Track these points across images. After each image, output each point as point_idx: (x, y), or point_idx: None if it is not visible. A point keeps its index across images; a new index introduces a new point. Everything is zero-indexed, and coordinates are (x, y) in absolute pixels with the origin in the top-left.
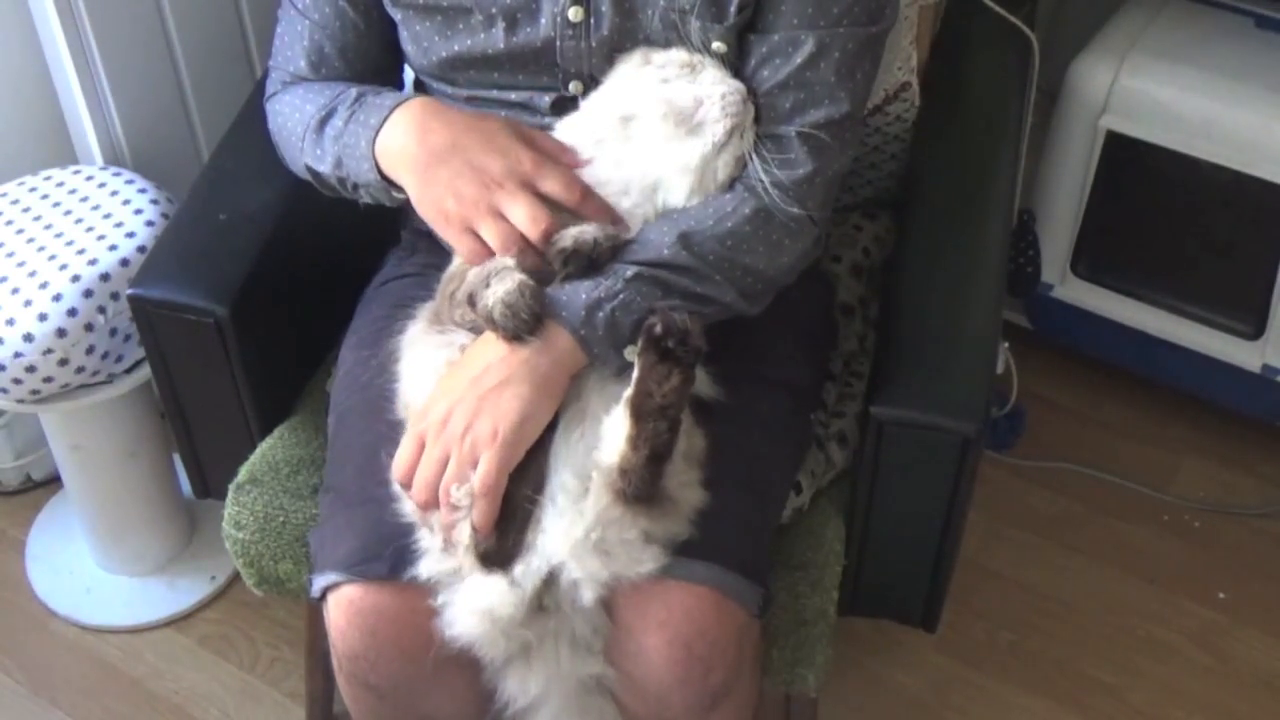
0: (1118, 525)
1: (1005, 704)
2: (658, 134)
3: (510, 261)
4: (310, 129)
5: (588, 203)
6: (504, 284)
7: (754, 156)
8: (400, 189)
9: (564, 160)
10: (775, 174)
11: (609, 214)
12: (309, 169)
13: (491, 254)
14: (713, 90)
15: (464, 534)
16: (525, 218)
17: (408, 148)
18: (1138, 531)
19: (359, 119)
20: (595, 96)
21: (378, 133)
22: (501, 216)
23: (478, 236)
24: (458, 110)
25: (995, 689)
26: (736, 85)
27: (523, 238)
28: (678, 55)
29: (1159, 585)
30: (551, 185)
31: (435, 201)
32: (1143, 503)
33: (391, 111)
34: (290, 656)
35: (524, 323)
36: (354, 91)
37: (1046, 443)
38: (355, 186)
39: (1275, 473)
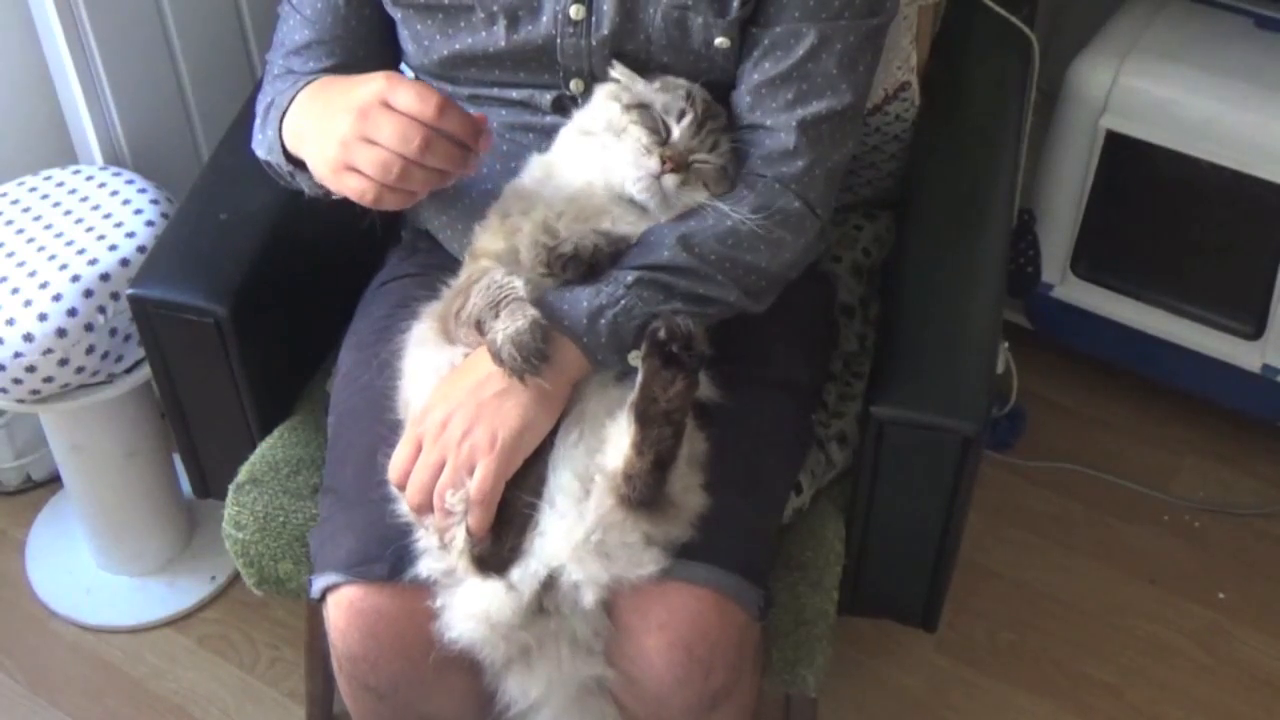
0: (1118, 525)
1: (1005, 704)
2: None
3: (521, 291)
4: (258, 120)
5: (446, 116)
6: (515, 321)
7: (718, 206)
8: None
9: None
10: (747, 214)
11: (470, 125)
12: (263, 159)
13: (371, 183)
14: (622, 174)
15: (459, 538)
16: (394, 136)
17: (302, 119)
18: (1138, 531)
19: (279, 105)
20: (572, 127)
21: (284, 113)
22: (373, 143)
23: (357, 172)
24: (351, 78)
25: (995, 689)
26: (647, 168)
27: (403, 159)
28: (611, 115)
29: (1159, 585)
30: (404, 100)
31: (320, 154)
32: (1143, 503)
33: (297, 93)
34: (290, 656)
35: (532, 365)
36: (301, 81)
37: (1046, 443)
38: (291, 175)
39: (1275, 473)
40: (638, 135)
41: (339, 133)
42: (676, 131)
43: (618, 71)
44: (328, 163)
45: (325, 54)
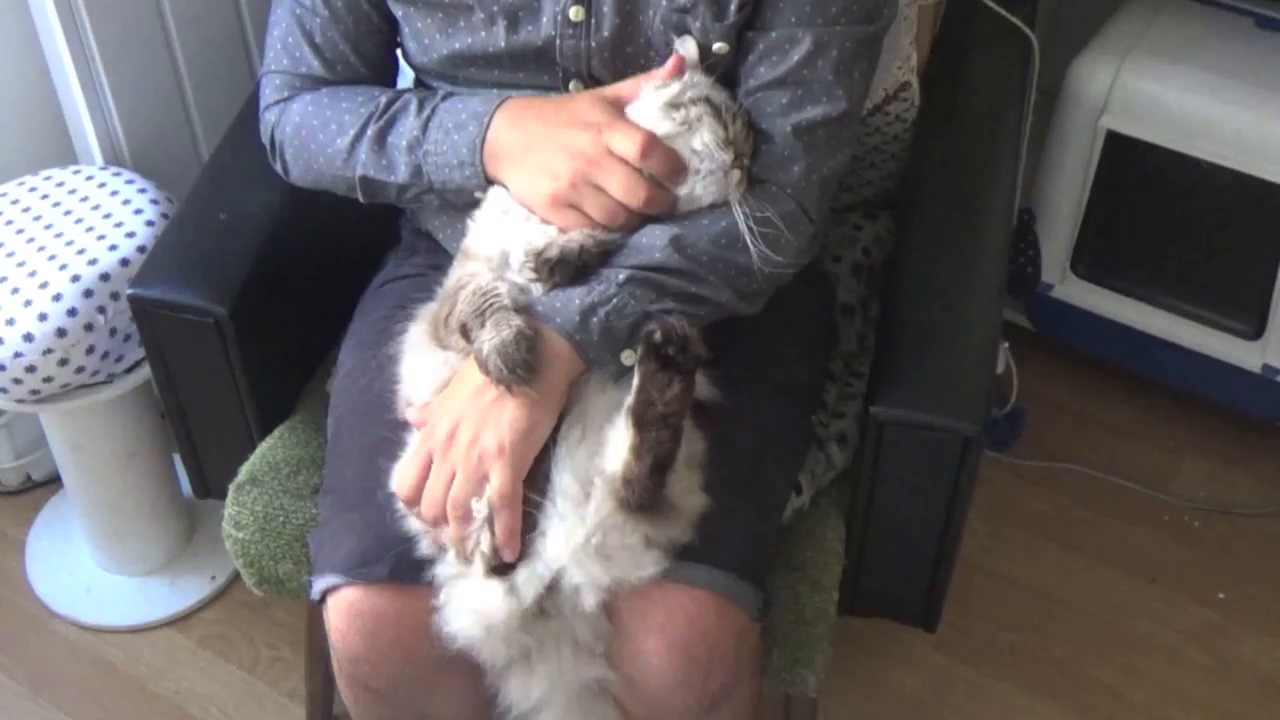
0: (1118, 525)
1: (1005, 704)
2: None
3: (505, 299)
4: (366, 140)
5: (650, 156)
6: (501, 332)
7: (739, 207)
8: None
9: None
10: (757, 228)
11: (675, 167)
12: (363, 179)
13: (594, 224)
14: (695, 167)
15: (484, 543)
16: (622, 190)
17: (508, 143)
18: (1138, 531)
19: (445, 126)
20: None
21: (483, 140)
22: (601, 190)
23: (578, 211)
24: (545, 99)
25: (995, 689)
26: (719, 160)
27: (627, 209)
28: (680, 103)
29: (1159, 585)
30: (619, 144)
31: (534, 186)
32: (1143, 503)
33: (492, 117)
34: (290, 656)
35: (518, 377)
36: (412, 100)
37: (1046, 443)
38: (422, 194)
39: (1275, 473)
40: (713, 127)
41: (565, 173)
42: (731, 131)
43: (689, 46)
44: (546, 196)
45: (351, 52)
